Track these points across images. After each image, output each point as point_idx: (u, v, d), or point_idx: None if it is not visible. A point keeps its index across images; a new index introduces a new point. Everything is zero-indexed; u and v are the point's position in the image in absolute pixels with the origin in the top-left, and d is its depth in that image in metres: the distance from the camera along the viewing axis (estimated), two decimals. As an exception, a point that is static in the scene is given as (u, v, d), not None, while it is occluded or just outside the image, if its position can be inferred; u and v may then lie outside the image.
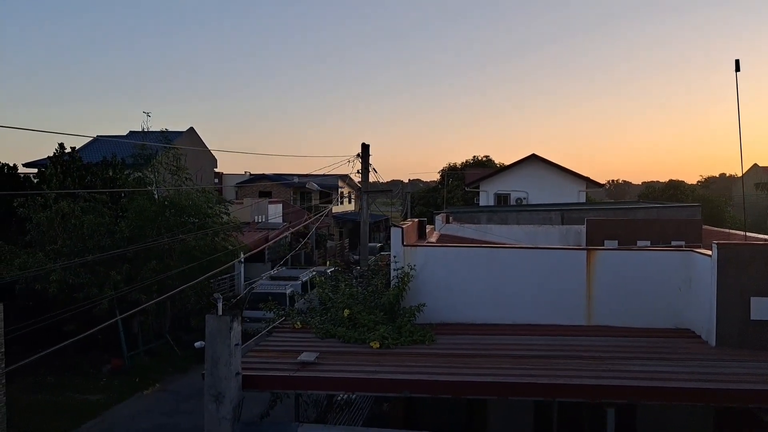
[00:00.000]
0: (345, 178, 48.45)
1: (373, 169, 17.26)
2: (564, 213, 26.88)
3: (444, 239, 15.61)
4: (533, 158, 38.95)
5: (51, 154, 21.11)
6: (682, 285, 9.86)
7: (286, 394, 9.27)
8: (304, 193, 50.11)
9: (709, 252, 8.97)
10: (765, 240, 15.24)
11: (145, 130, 23.34)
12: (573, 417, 9.64)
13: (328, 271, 24.95)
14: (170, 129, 25.26)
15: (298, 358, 8.31)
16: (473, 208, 36.12)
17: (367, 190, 17.17)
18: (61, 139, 22.06)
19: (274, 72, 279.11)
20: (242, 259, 21.44)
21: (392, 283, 10.46)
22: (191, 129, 38.32)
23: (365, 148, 17.07)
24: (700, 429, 9.34)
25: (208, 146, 38.97)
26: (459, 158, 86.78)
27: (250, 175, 51.51)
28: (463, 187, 45.55)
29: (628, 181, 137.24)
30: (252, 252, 19.18)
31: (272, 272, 24.97)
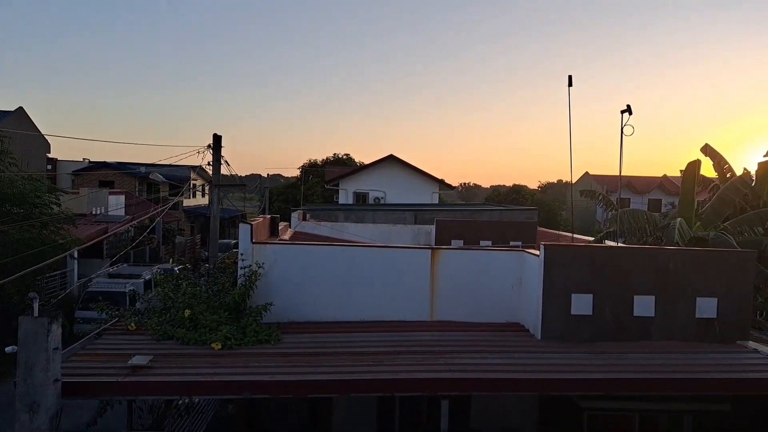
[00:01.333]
0: (197, 169, 46.35)
1: (226, 161, 16.65)
2: (417, 213, 27.92)
3: (298, 237, 15.45)
4: (391, 159, 40.00)
5: None
6: (515, 283, 10.57)
7: (117, 401, 8.60)
8: (152, 184, 47.13)
9: (538, 252, 9.70)
10: (588, 242, 16.90)
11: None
12: (413, 411, 9.97)
13: (176, 268, 23.68)
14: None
15: (129, 361, 7.74)
16: (331, 206, 36.29)
17: (219, 184, 16.51)
18: None
19: (122, 56, 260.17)
20: (75, 254, 19.62)
21: (239, 281, 10.13)
22: (20, 109, 34.45)
23: (217, 139, 16.39)
24: (527, 416, 10.08)
25: (40, 129, 35.27)
26: (320, 155, 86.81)
27: (90, 162, 47.39)
28: (323, 185, 45.63)
29: (478, 185, 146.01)
30: (85, 245, 17.56)
31: (110, 269, 23.14)
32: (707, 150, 20.19)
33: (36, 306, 6.79)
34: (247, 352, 8.71)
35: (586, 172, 64.95)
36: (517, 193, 60.67)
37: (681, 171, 20.11)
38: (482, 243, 19.32)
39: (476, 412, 10.08)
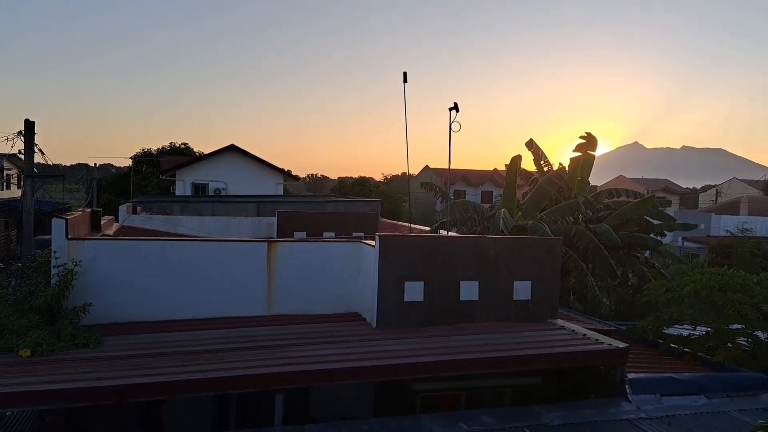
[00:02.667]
0: (11, 157, 41.39)
1: (40, 149, 15.01)
2: (260, 205, 27.34)
3: (125, 232, 14.39)
4: (232, 149, 38.83)
5: None
6: (353, 273, 10.77)
7: None
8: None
9: (374, 243, 9.98)
10: (425, 232, 17.74)
11: None
12: (251, 407, 9.79)
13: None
14: None
15: None
16: (166, 197, 34.34)
17: (32, 174, 14.86)
18: None
19: None
20: None
21: (52, 281, 9.20)
22: None
23: (29, 125, 14.72)
24: (363, 404, 10.35)
25: None
26: (155, 144, 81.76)
27: None
28: (158, 175, 43.02)
29: (326, 176, 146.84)
30: None
31: None
32: (531, 144, 22.17)
33: None
34: (61, 357, 7.96)
35: (426, 166, 68.22)
36: (362, 185, 62.03)
37: (506, 165, 21.89)
38: (326, 234, 19.45)
39: (314, 403, 10.14)
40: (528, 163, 22.80)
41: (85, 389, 6.89)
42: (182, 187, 37.97)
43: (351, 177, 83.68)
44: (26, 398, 6.82)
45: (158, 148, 52.09)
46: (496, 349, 8.96)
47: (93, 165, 42.98)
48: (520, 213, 18.25)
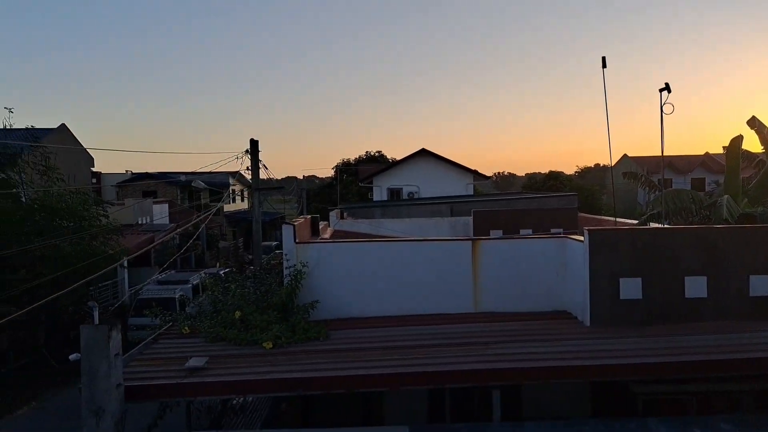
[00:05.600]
0: (236, 175, 47.16)
1: (264, 165, 16.93)
2: (453, 205, 27.81)
3: (338, 235, 15.62)
4: (423, 153, 39.92)
5: None
6: (559, 270, 10.48)
7: (176, 403, 8.88)
8: (192, 191, 48.20)
9: (582, 238, 9.60)
10: (632, 225, 16.59)
11: (8, 126, 21.21)
12: (464, 401, 10.00)
13: (221, 272, 24.21)
14: (38, 126, 23.15)
15: (186, 364, 7.98)
16: (367, 203, 36.48)
17: (259, 188, 16.81)
18: None
19: (156, 67, 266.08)
20: (125, 263, 20.26)
21: (285, 281, 10.32)
22: (63, 126, 35.55)
23: (254, 144, 16.68)
24: (579, 403, 10.00)
25: (83, 144, 36.30)
26: (352, 154, 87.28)
27: (132, 174, 48.68)
28: (358, 183, 45.86)
29: (513, 173, 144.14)
30: (134, 255, 18.11)
31: (158, 276, 23.81)
32: (754, 122, 19.54)
33: (96, 314, 7.07)
34: (297, 349, 8.88)
35: (625, 155, 63.57)
36: (554, 179, 59.78)
37: (724, 148, 19.57)
38: (522, 232, 19.15)
39: (527, 401, 10.05)
40: (751, 144, 20.15)
41: (321, 378, 7.61)
42: (379, 192, 40.01)
43: (540, 173, 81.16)
44: (273, 385, 7.75)
45: (356, 158, 55.68)
46: (731, 350, 8.09)
47: (301, 177, 47.28)
48: (746, 199, 16.21)
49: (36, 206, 18.08)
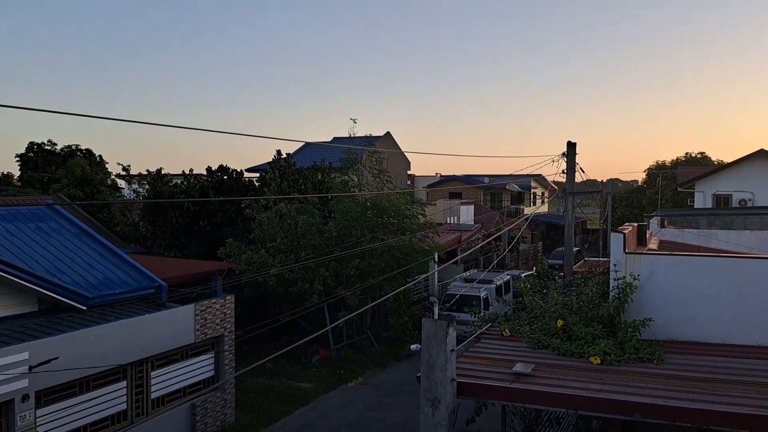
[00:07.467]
0: (537, 178, 46.83)
1: (580, 168, 16.26)
2: (805, 217, 23.04)
3: (664, 246, 14.11)
4: (761, 154, 34.04)
5: (270, 160, 23.23)
6: None
7: (491, 403, 8.98)
8: (495, 194, 49.46)
9: None
10: None
11: (352, 135, 24.55)
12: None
13: (523, 275, 24.19)
14: (374, 134, 26.39)
15: (513, 368, 7.98)
16: (688, 210, 32.61)
17: (573, 191, 16.22)
18: (278, 145, 24.23)
19: (468, 74, 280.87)
20: (437, 259, 21.62)
21: (611, 293, 9.63)
22: (388, 133, 39.83)
23: (572, 146, 16.13)
24: None
25: (402, 149, 40.22)
26: (667, 156, 79.32)
27: (441, 176, 52.15)
28: (674, 188, 41.38)
29: None
30: (446, 251, 19.10)
31: (465, 274, 24.87)
32: None
33: (436, 309, 7.50)
34: (627, 369, 8.19)
35: None
36: None
37: None
38: None
39: None
40: None
41: (661, 407, 6.84)
42: (701, 198, 35.38)
43: None
44: (605, 405, 7.22)
45: (672, 160, 50.37)
46: None
47: (603, 181, 44.66)
48: None
49: (369, 204, 20.44)
